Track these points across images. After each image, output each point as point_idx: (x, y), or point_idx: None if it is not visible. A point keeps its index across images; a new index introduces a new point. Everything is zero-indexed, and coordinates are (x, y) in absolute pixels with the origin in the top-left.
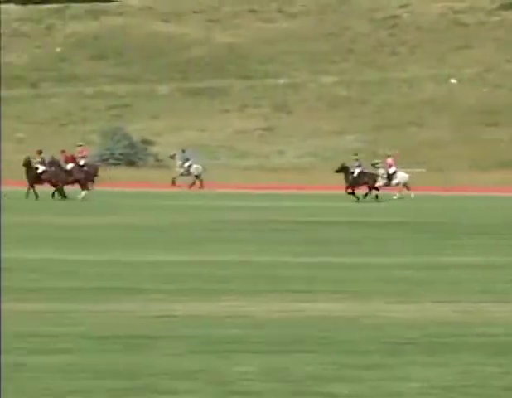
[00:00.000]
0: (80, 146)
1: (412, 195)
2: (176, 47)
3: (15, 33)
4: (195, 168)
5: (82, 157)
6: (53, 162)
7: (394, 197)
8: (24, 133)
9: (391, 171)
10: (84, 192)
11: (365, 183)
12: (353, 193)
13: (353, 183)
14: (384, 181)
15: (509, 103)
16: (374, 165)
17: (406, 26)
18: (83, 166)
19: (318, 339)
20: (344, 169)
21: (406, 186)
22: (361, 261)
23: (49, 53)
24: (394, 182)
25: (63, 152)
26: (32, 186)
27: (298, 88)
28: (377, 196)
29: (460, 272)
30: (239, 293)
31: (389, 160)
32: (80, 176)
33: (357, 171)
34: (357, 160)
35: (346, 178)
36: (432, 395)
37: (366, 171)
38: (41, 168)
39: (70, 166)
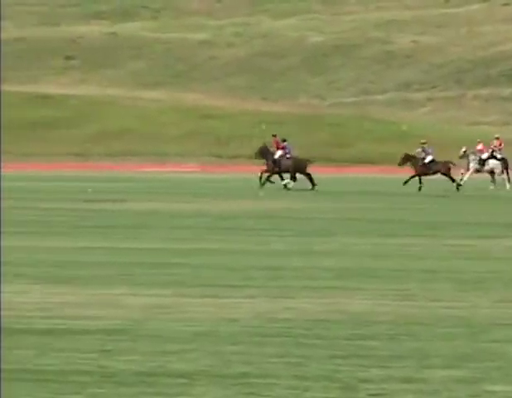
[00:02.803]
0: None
1: (508, 186)
2: None
3: None
4: None
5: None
6: None
7: (508, 187)
8: None
9: (484, 156)
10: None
11: (437, 171)
12: (420, 180)
13: (424, 171)
14: (476, 166)
15: None
16: (461, 157)
17: None
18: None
19: None
20: (409, 159)
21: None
22: None
23: None
24: (486, 168)
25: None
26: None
27: None
28: (458, 187)
29: None
30: None
31: (480, 145)
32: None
33: (429, 158)
34: (424, 147)
35: (414, 166)
36: None
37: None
38: None
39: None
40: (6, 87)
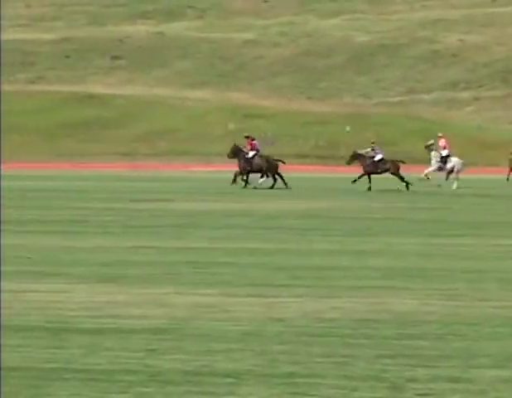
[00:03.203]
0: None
1: (454, 186)
2: None
3: None
4: None
5: None
6: None
7: (454, 187)
8: None
9: (444, 153)
10: None
11: (387, 170)
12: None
13: (372, 170)
14: (438, 164)
15: None
16: (427, 147)
17: None
18: None
19: None
20: (357, 157)
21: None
22: None
23: None
24: (448, 166)
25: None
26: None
27: None
28: (407, 185)
29: None
30: None
31: (442, 141)
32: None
33: (378, 157)
34: (374, 146)
35: (363, 165)
36: None
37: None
38: None
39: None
40: (53, 87)
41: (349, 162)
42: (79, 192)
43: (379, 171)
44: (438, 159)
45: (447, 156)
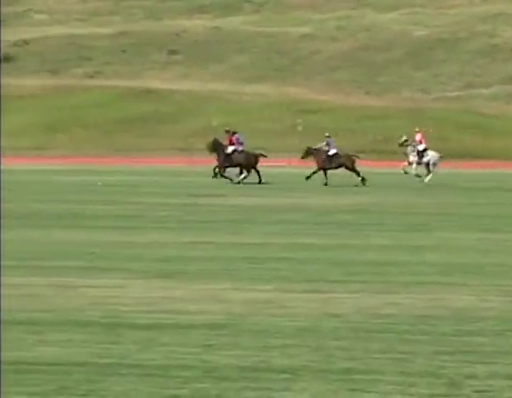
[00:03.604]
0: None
1: (427, 179)
2: None
3: None
4: None
5: None
6: None
7: (426, 180)
8: None
9: (421, 147)
10: None
11: (341, 165)
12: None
13: (327, 165)
14: (415, 158)
15: None
16: (401, 144)
17: None
18: None
19: None
20: (311, 152)
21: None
22: None
23: None
24: (425, 159)
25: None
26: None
27: None
28: (363, 180)
29: None
30: None
31: (418, 136)
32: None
33: (332, 151)
34: (328, 140)
35: (317, 160)
36: None
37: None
38: None
39: None
40: (110, 82)
41: (303, 157)
42: (135, 187)
43: (334, 166)
44: (415, 154)
45: (424, 150)
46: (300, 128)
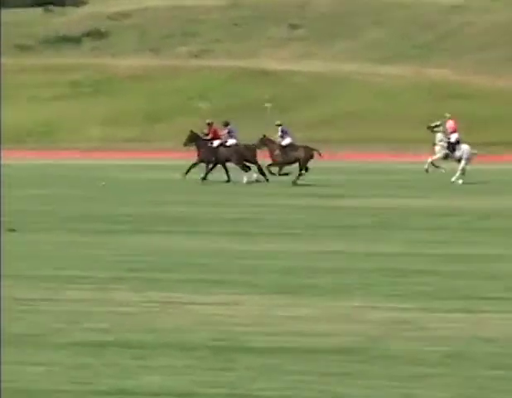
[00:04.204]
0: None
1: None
2: None
3: None
4: None
5: None
6: None
7: (453, 179)
8: None
9: (453, 138)
10: None
11: (298, 159)
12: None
13: (281, 159)
14: (444, 151)
15: None
16: (431, 128)
17: None
18: None
19: None
20: (265, 142)
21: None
22: None
23: None
24: (457, 154)
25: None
26: None
27: None
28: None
29: None
30: None
31: (450, 124)
32: None
33: (286, 141)
34: (281, 128)
35: (271, 153)
36: None
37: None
38: None
39: None
40: (219, 62)
41: (185, 144)
42: (252, 187)
43: (288, 159)
44: (445, 145)
45: (457, 142)
46: (268, 105)
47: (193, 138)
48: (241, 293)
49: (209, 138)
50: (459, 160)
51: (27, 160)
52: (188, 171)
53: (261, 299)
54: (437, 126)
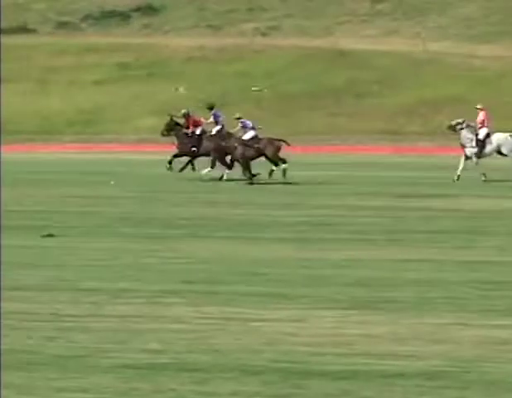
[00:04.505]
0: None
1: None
2: None
3: None
4: None
5: None
6: None
7: (483, 178)
8: None
9: (481, 135)
10: None
11: (262, 152)
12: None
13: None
14: (474, 149)
15: None
16: (452, 127)
17: None
18: None
19: None
20: (173, 128)
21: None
22: None
23: None
24: (488, 149)
25: None
26: None
27: None
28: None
29: None
30: None
31: (482, 115)
32: None
33: (250, 134)
34: (241, 119)
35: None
36: None
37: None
38: None
39: None
40: (289, 40)
41: (164, 134)
42: (321, 185)
43: (254, 153)
44: (474, 143)
45: (487, 136)
46: (181, 89)
47: (172, 127)
48: (310, 308)
49: (189, 131)
50: (499, 152)
51: (66, 154)
52: (183, 168)
53: (333, 315)
54: (459, 124)
